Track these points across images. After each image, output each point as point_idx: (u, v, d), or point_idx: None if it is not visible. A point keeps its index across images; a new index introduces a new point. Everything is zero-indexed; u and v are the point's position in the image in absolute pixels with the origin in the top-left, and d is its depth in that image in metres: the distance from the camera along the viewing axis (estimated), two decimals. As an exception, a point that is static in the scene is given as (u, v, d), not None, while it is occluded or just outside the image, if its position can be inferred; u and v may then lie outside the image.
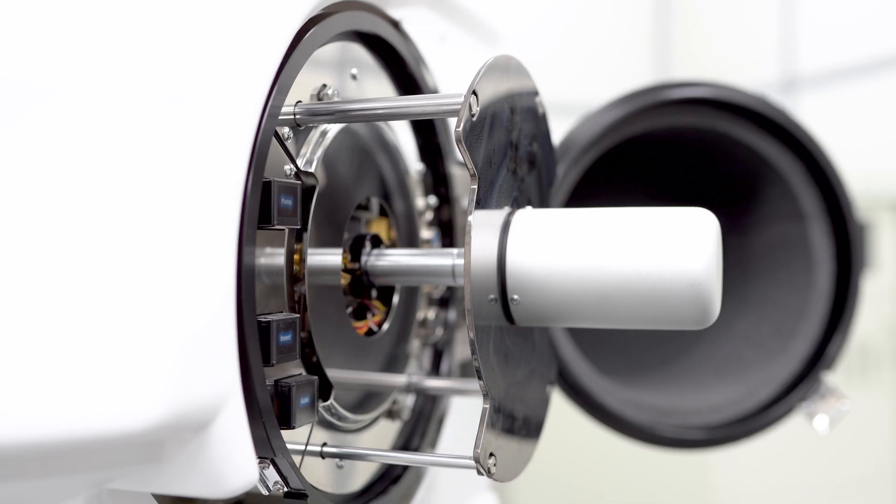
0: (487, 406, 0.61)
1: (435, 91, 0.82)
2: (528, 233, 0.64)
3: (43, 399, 0.46)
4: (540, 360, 0.74)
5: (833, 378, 0.97)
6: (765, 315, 1.05)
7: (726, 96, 0.95)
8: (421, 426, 0.82)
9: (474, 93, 0.60)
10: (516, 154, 0.68)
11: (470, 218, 0.59)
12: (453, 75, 0.83)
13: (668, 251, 0.61)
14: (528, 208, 0.69)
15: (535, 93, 0.72)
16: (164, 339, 0.49)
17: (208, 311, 0.52)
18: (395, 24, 0.76)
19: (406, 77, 0.78)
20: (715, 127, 0.99)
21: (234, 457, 0.55)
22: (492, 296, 0.64)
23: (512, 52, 0.82)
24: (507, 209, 0.66)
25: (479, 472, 0.61)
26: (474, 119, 0.60)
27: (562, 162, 0.94)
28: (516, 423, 0.67)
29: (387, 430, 0.79)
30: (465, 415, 0.88)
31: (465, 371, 0.88)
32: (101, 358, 0.47)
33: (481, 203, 0.61)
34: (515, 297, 0.64)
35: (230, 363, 0.54)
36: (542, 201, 0.75)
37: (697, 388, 1.02)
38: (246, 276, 0.55)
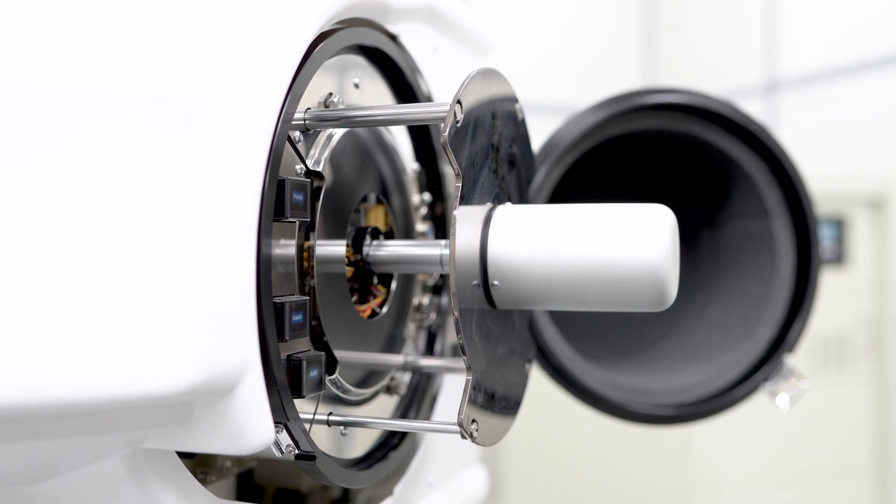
0: (470, 378, 0.68)
1: (429, 97, 0.90)
2: (508, 226, 0.72)
3: (92, 364, 0.54)
4: (519, 339, 0.82)
5: (793, 360, 1.06)
6: (733, 303, 1.13)
7: (697, 102, 1.03)
8: (416, 400, 0.91)
9: (458, 102, 0.68)
10: (497, 155, 0.76)
11: (454, 213, 0.67)
12: (446, 83, 0.91)
13: (629, 242, 0.69)
14: (508, 204, 0.77)
15: (515, 99, 0.80)
16: (196, 315, 0.56)
17: (233, 292, 0.60)
18: (394, 38, 0.84)
19: (403, 85, 0.86)
20: (688, 130, 1.07)
21: (254, 419, 0.62)
22: (475, 282, 0.72)
23: (502, 60, 0.90)
24: (489, 205, 0.74)
25: (463, 437, 0.69)
26: (458, 125, 0.68)
27: (546, 161, 1.02)
28: (497, 394, 0.75)
29: (386, 404, 0.87)
30: (457, 391, 0.96)
31: (457, 352, 0.97)
32: (142, 330, 0.55)
33: (465, 199, 0.69)
34: (496, 282, 0.72)
35: (251, 337, 0.62)
36: (522, 198, 0.83)
37: (671, 371, 1.10)
38: (264, 263, 0.63)
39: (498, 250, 0.72)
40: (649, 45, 3.87)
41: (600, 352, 1.16)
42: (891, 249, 2.61)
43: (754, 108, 3.41)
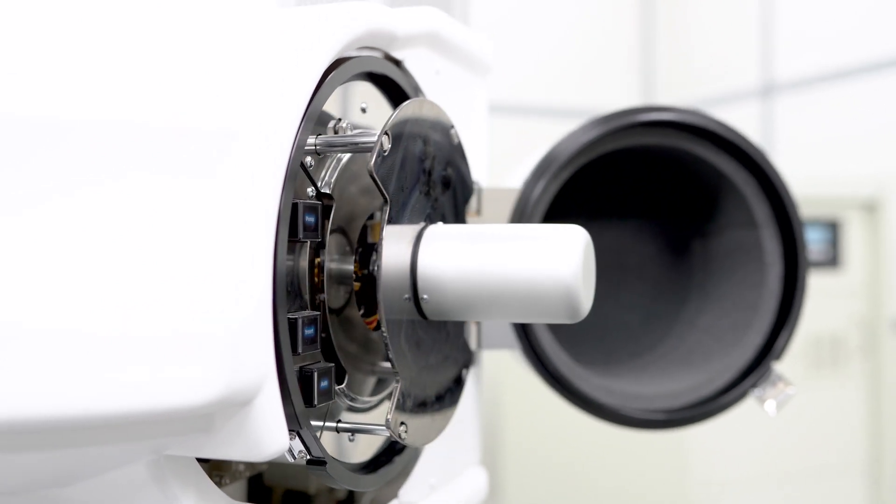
0: (399, 384, 0.74)
1: (432, 118, 0.94)
2: (436, 244, 0.79)
3: (127, 379, 0.58)
4: (454, 347, 0.88)
5: (787, 360, 1.10)
6: (725, 311, 1.17)
7: (688, 120, 1.08)
8: (420, 407, 0.95)
9: (386, 133, 0.74)
10: (430, 178, 0.82)
11: (383, 233, 0.74)
12: (449, 104, 0.95)
13: (543, 259, 0.75)
14: (440, 224, 0.83)
15: (451, 126, 0.86)
16: (221, 332, 0.61)
17: (251, 309, 0.64)
18: (398, 63, 0.89)
19: (408, 108, 0.91)
20: (679, 146, 1.11)
21: (270, 428, 0.66)
22: (406, 295, 0.78)
23: (501, 64, 0.93)
24: (420, 224, 0.80)
25: (391, 437, 0.74)
26: (385, 154, 0.73)
27: (543, 176, 1.07)
28: (429, 399, 0.81)
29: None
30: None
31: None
32: (172, 347, 0.59)
33: (393, 220, 0.76)
34: (425, 296, 0.78)
35: (268, 351, 0.66)
36: (458, 216, 0.89)
37: (664, 376, 1.14)
38: (279, 282, 0.67)
39: (427, 266, 0.78)
40: (646, 50, 3.92)
41: (597, 357, 1.21)
42: (884, 252, 2.66)
43: (750, 112, 3.45)
